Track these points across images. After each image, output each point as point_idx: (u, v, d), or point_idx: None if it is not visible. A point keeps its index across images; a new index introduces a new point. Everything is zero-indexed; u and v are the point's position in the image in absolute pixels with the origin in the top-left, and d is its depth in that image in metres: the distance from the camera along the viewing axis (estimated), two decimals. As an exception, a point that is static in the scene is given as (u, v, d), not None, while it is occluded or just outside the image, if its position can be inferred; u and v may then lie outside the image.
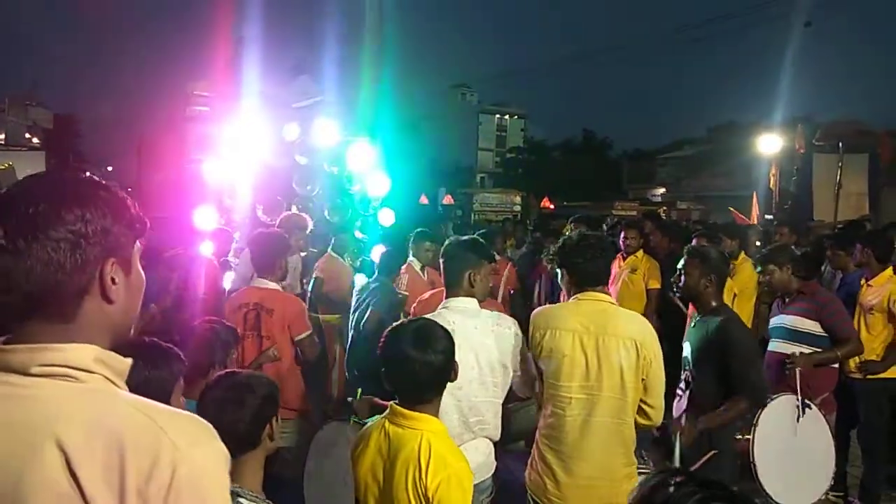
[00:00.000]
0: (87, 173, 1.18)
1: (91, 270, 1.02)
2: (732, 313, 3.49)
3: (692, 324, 3.53)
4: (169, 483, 0.95)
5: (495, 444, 2.91)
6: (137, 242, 1.12)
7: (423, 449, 1.95)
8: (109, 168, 28.87)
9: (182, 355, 2.05)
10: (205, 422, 1.06)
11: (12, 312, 1.01)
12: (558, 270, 3.03)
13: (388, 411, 2.12)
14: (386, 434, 2.07)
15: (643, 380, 2.78)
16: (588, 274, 2.87)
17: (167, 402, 1.86)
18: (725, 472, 3.35)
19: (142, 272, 1.14)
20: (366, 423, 2.29)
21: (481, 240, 3.33)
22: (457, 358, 2.67)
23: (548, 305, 3.12)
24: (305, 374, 4.14)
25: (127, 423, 0.98)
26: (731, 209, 11.16)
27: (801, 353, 4.03)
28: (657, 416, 2.86)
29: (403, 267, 5.42)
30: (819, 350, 4.10)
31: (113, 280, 1.05)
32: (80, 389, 1.00)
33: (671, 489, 1.06)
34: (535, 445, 2.94)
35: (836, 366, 4.25)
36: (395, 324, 2.21)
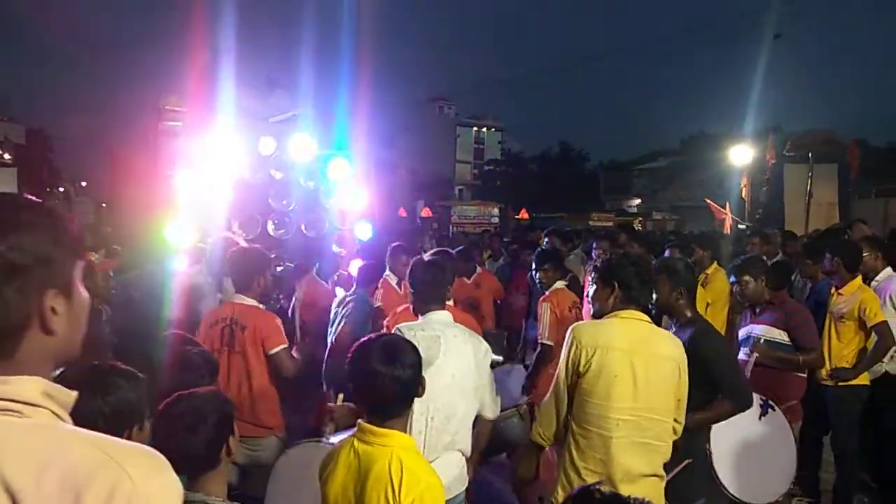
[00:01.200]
0: (30, 197, 1.13)
1: (30, 304, 0.97)
2: (706, 322, 3.54)
3: None
4: None
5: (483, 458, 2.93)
6: (78, 262, 1.08)
7: (394, 466, 1.94)
8: (84, 183, 28.45)
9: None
10: (157, 454, 1.03)
11: None
12: (595, 283, 2.96)
13: (356, 429, 2.10)
14: (356, 453, 2.05)
15: (678, 400, 2.80)
16: (639, 295, 2.85)
17: (132, 427, 1.83)
18: (699, 480, 3.40)
19: (84, 292, 1.09)
20: (332, 443, 2.29)
21: (451, 254, 3.41)
22: (442, 364, 2.74)
23: (589, 321, 3.05)
24: (296, 388, 4.09)
25: (80, 459, 0.94)
26: (708, 200, 11.26)
27: (763, 340, 4.12)
28: (679, 431, 2.87)
29: (380, 280, 5.41)
30: (784, 354, 4.19)
31: (54, 310, 1.00)
32: (27, 425, 0.95)
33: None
34: (565, 467, 2.81)
35: (805, 375, 4.32)
36: (362, 339, 2.19)
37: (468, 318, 3.89)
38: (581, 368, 2.74)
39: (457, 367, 2.82)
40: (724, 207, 10.88)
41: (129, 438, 1.73)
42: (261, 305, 3.91)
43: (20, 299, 0.96)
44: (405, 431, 2.08)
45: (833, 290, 4.79)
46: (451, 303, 3.31)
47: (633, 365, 2.69)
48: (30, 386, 0.97)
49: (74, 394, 1.05)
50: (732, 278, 4.53)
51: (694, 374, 2.94)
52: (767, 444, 3.75)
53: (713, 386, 3.17)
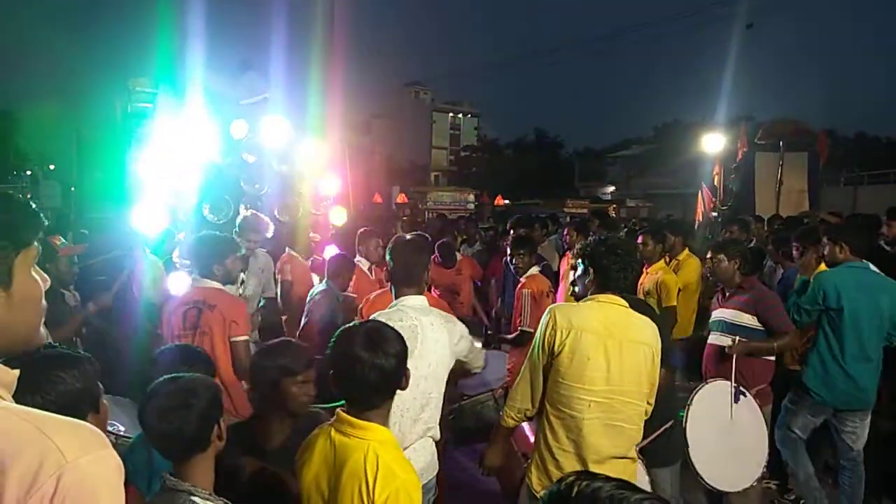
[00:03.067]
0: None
1: None
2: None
3: None
4: (53, 493, 0.91)
5: (450, 440, 2.92)
6: (34, 245, 1.08)
7: (369, 461, 1.86)
8: (52, 166, 27.76)
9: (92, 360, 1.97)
10: (96, 429, 1.02)
11: None
12: (580, 265, 2.98)
13: (334, 418, 2.02)
14: (332, 443, 1.97)
15: (651, 384, 2.83)
16: (617, 280, 2.85)
17: (85, 414, 1.80)
18: (676, 444, 3.48)
19: (35, 278, 1.09)
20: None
21: (427, 237, 3.37)
22: (420, 353, 2.71)
23: (565, 303, 3.08)
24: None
25: (9, 434, 0.93)
26: (704, 186, 11.24)
27: (738, 339, 4.18)
28: (649, 413, 2.90)
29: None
30: (758, 342, 4.24)
31: None
32: None
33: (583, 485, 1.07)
34: (539, 447, 2.86)
35: (773, 358, 4.38)
36: (345, 325, 2.11)
37: (444, 305, 3.88)
38: (556, 349, 2.77)
39: (433, 354, 2.79)
40: (703, 195, 11.00)
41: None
42: (226, 289, 3.84)
43: None
44: (385, 424, 2.00)
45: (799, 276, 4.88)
46: (432, 291, 3.28)
47: (607, 348, 2.72)
48: None
49: (15, 372, 1.04)
50: (708, 255, 4.58)
51: None
52: (741, 431, 3.81)
53: None
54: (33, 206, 1.14)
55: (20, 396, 1.06)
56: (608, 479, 1.08)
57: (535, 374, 2.85)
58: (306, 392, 2.47)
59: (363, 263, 5.46)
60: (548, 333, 2.80)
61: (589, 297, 2.89)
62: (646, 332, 2.83)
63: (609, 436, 2.74)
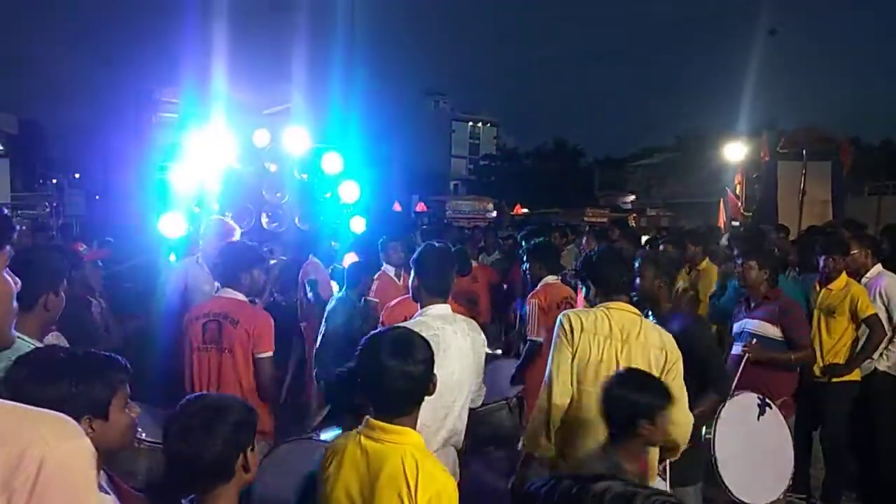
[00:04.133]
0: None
1: None
2: (695, 314, 3.64)
3: None
4: (35, 476, 0.98)
5: (467, 448, 2.93)
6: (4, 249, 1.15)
7: (408, 465, 1.85)
8: (77, 175, 28.22)
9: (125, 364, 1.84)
10: (71, 420, 1.09)
11: None
12: (584, 286, 3.13)
13: (363, 425, 1.99)
14: (363, 450, 1.94)
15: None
16: (614, 284, 2.95)
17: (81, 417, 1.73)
18: (697, 465, 3.45)
19: (6, 278, 1.17)
20: (323, 440, 2.22)
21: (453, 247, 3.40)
22: (440, 363, 2.70)
23: (577, 310, 3.14)
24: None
25: None
26: (728, 190, 11.16)
27: (756, 342, 4.15)
28: (683, 434, 2.79)
29: (377, 274, 5.42)
30: (775, 353, 4.19)
31: None
32: None
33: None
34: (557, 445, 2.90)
35: (797, 371, 4.34)
36: (373, 332, 2.11)
37: (466, 312, 3.89)
38: (570, 353, 2.84)
39: (457, 363, 2.79)
40: (727, 203, 10.93)
41: (85, 428, 1.68)
42: (248, 301, 3.71)
43: None
44: (415, 429, 2.00)
45: (817, 286, 4.81)
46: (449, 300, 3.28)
47: (617, 351, 2.78)
48: None
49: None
50: (739, 259, 4.52)
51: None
52: (766, 443, 3.77)
53: (697, 376, 3.22)
54: (6, 212, 1.20)
55: None
56: (614, 477, 1.08)
57: (562, 396, 2.84)
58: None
59: (390, 270, 5.50)
60: (562, 339, 2.87)
61: (599, 306, 2.96)
62: (657, 335, 2.85)
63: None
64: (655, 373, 2.77)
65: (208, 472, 1.77)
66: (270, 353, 3.53)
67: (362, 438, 1.96)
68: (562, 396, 2.84)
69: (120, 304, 4.40)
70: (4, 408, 1.05)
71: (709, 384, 3.31)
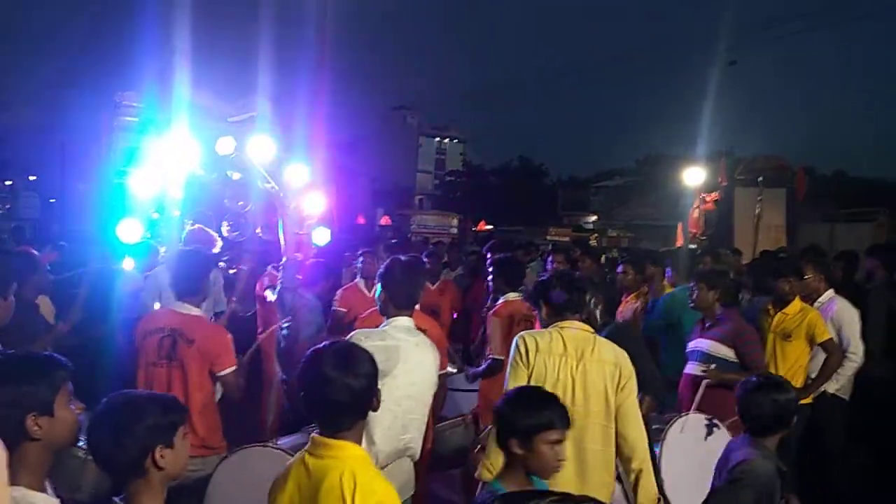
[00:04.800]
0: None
1: None
2: (618, 322, 3.75)
3: None
4: None
5: (428, 468, 2.92)
6: None
7: (345, 479, 1.82)
8: (32, 177, 27.38)
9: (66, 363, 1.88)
10: None
11: None
12: (536, 307, 3.19)
13: (309, 444, 1.99)
14: (306, 467, 1.92)
15: (619, 407, 2.85)
16: (563, 305, 3.00)
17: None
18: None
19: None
20: (279, 447, 2.21)
21: (422, 260, 3.43)
22: (399, 373, 2.72)
23: (532, 331, 3.17)
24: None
25: None
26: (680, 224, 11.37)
27: (715, 367, 4.22)
28: (641, 453, 2.84)
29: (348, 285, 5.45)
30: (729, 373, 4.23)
31: None
32: None
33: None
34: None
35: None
36: (316, 346, 2.10)
37: (433, 323, 3.91)
38: (526, 374, 2.88)
39: (417, 375, 2.82)
40: (680, 227, 11.18)
41: (27, 426, 1.72)
42: (204, 315, 3.65)
43: None
44: (359, 444, 1.98)
45: (771, 309, 4.90)
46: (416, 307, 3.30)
47: (572, 370, 2.82)
48: None
49: None
50: (691, 283, 4.63)
51: None
52: (713, 464, 3.81)
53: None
54: None
55: None
56: (551, 493, 1.10)
57: None
58: None
59: (360, 282, 5.52)
60: (518, 361, 2.90)
61: (552, 326, 3.00)
62: (610, 351, 2.90)
63: (580, 462, 2.78)
64: (611, 389, 2.81)
65: (119, 468, 1.81)
66: (233, 368, 3.45)
67: (307, 456, 1.96)
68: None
69: (65, 309, 4.28)
70: None
71: (642, 388, 3.34)
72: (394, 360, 2.72)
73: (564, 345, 2.87)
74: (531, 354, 2.85)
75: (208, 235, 4.95)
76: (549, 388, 2.76)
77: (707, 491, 3.71)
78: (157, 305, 4.63)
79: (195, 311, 3.50)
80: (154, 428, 1.81)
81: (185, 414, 1.99)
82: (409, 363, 2.79)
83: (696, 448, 3.79)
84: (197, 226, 5.48)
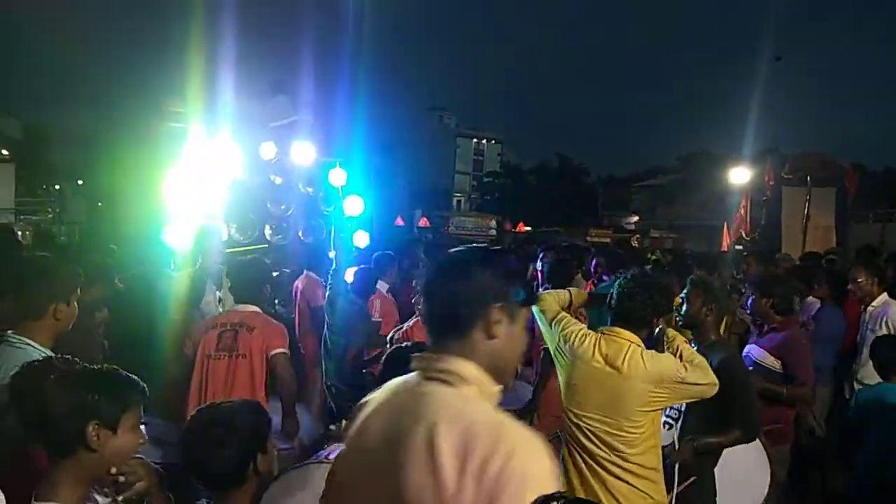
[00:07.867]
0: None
1: None
2: (734, 350, 3.59)
3: None
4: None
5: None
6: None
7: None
8: (80, 181, 28.22)
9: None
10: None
11: None
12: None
13: None
14: None
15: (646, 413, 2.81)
16: (618, 313, 2.91)
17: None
18: (707, 498, 3.37)
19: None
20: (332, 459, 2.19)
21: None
22: None
23: (578, 328, 3.15)
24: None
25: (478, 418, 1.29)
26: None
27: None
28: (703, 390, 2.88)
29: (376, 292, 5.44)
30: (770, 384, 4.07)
31: None
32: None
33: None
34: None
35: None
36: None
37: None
38: (560, 368, 2.96)
39: None
40: (729, 227, 10.94)
41: (86, 433, 1.73)
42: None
43: None
44: None
45: None
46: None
47: (601, 377, 2.79)
48: None
49: None
50: (745, 290, 4.54)
51: (714, 400, 2.94)
52: (738, 469, 3.66)
53: (728, 414, 3.20)
54: None
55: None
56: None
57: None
58: None
59: (383, 287, 5.51)
60: (559, 348, 2.99)
61: (601, 328, 2.96)
62: (643, 366, 2.77)
63: (599, 467, 2.80)
64: (638, 399, 2.77)
65: (222, 479, 1.89)
66: (284, 350, 3.69)
67: None
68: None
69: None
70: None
71: (734, 420, 3.23)
72: None
73: (596, 352, 2.85)
74: (566, 357, 2.94)
75: (217, 230, 5.13)
76: (581, 392, 2.84)
77: (729, 495, 3.62)
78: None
79: (253, 308, 3.79)
80: (253, 437, 1.93)
81: (268, 417, 2.07)
82: None
83: (727, 455, 3.67)
84: (267, 229, 5.66)
